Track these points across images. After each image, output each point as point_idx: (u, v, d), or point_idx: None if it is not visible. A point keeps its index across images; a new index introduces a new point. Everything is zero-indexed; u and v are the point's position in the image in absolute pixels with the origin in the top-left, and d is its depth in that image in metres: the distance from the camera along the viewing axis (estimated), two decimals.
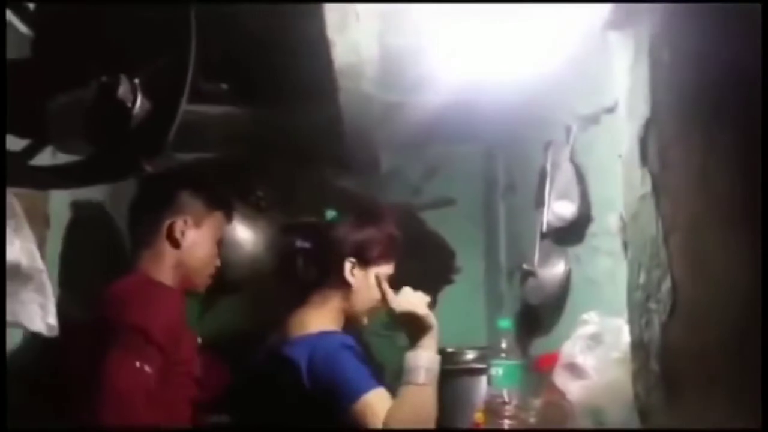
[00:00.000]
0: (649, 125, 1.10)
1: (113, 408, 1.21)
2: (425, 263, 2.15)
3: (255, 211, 1.95)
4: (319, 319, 1.52)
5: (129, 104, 1.02)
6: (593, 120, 1.63)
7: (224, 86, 1.90)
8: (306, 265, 1.56)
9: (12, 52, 1.10)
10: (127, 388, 1.23)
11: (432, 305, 1.53)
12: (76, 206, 1.65)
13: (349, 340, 1.45)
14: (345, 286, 1.54)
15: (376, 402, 1.31)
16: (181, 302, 1.44)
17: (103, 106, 1.01)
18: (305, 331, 1.49)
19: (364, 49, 1.60)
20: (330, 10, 1.43)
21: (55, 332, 1.07)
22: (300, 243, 1.57)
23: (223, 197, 1.62)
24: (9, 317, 1.01)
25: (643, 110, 1.11)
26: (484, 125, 2.21)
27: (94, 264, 1.69)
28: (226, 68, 1.80)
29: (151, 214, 1.49)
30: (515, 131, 2.18)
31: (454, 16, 1.58)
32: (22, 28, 1.18)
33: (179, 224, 1.47)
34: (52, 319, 1.05)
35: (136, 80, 1.04)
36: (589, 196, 1.66)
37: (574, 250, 1.73)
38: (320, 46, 1.54)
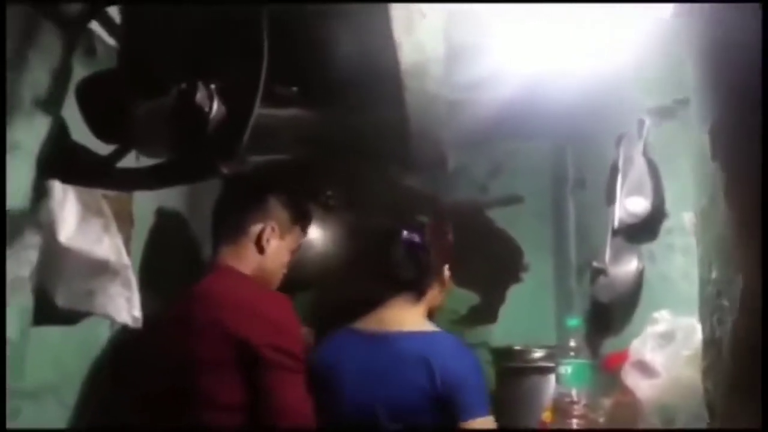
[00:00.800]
0: (720, 118, 1.06)
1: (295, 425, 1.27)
2: (493, 261, 2.15)
3: (324, 210, 2.00)
4: (420, 317, 1.50)
5: (206, 109, 1.07)
6: (667, 113, 1.59)
7: (294, 89, 1.96)
8: (410, 259, 1.52)
9: (102, 64, 1.18)
10: (301, 406, 1.28)
11: (500, 303, 1.54)
12: (159, 213, 1.73)
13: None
14: (441, 285, 1.55)
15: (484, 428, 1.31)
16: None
17: (182, 112, 1.07)
18: (411, 328, 1.47)
19: (429, 48, 1.62)
20: (396, 9, 1.45)
21: (139, 324, 1.14)
22: (407, 235, 1.54)
23: (308, 212, 1.67)
24: (98, 310, 1.09)
25: (714, 103, 1.08)
26: (552, 120, 2.18)
27: (173, 264, 1.77)
28: (295, 71, 1.85)
29: (239, 212, 1.53)
30: (584, 126, 2.14)
31: (520, 12, 1.58)
32: (110, 40, 1.26)
33: (267, 231, 1.52)
34: (137, 312, 1.12)
35: (213, 86, 1.10)
36: (663, 192, 1.62)
37: (647, 247, 1.68)
38: (387, 46, 1.57)
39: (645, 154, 1.68)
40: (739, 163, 1.01)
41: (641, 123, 1.69)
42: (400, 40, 1.55)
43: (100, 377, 1.40)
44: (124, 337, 1.41)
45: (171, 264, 1.76)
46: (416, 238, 1.54)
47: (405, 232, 1.54)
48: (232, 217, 1.52)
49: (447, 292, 1.57)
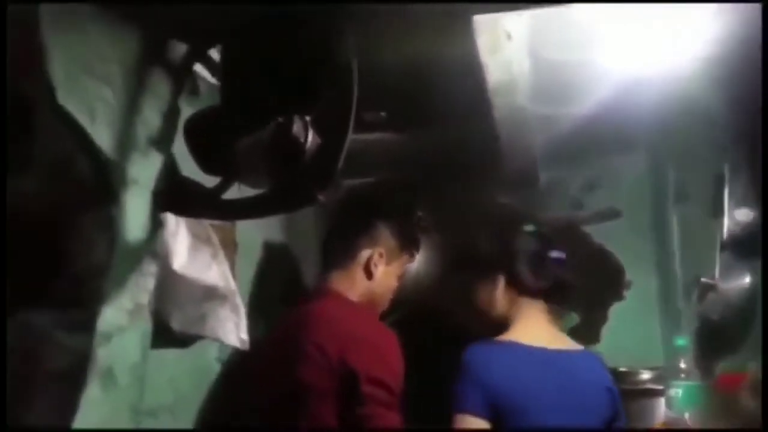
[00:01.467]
0: None
1: None
2: (592, 279, 2.08)
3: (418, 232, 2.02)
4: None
5: (302, 140, 1.12)
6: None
7: (383, 114, 2.01)
8: (559, 277, 1.57)
9: (206, 102, 1.26)
10: None
11: (603, 323, 1.51)
12: (266, 246, 1.82)
13: None
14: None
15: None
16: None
17: (279, 144, 1.13)
18: (570, 346, 1.54)
19: (516, 66, 1.61)
20: (481, 33, 1.46)
21: (246, 346, 1.19)
22: (556, 254, 1.59)
23: (415, 240, 1.70)
24: (209, 333, 1.15)
25: None
26: (649, 131, 2.10)
27: (281, 293, 1.83)
28: (384, 96, 1.90)
29: (349, 238, 1.58)
30: (683, 135, 2.05)
31: (608, 22, 1.55)
32: (212, 79, 1.35)
33: (375, 257, 1.56)
34: (245, 335, 1.18)
35: (308, 118, 1.15)
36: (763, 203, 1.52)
37: (761, 261, 1.58)
38: (473, 68, 1.58)
39: (752, 163, 1.59)
40: None
41: (746, 129, 1.61)
42: (486, 61, 1.56)
43: (212, 398, 1.47)
44: (234, 359, 1.48)
45: (277, 292, 1.83)
46: (562, 255, 1.59)
47: (554, 252, 1.59)
48: (342, 243, 1.58)
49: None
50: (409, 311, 1.93)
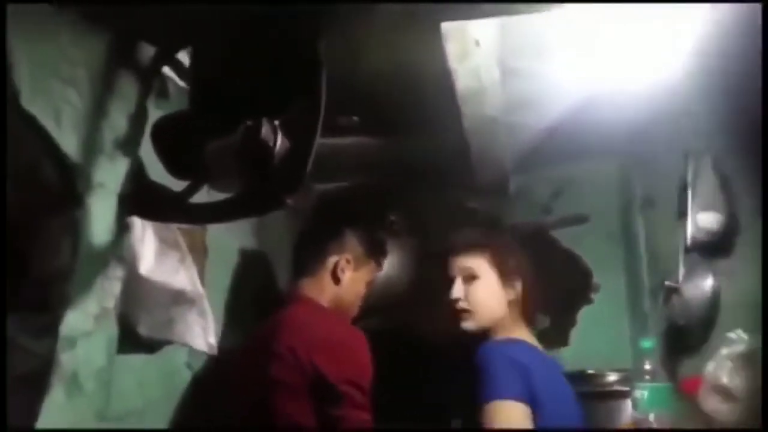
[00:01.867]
0: None
1: None
2: (561, 283, 2.11)
3: (389, 236, 2.04)
4: None
5: (271, 144, 1.12)
6: (738, 125, 1.54)
7: (355, 119, 2.02)
8: None
9: (174, 105, 1.25)
10: None
11: (572, 326, 1.55)
12: (242, 253, 1.83)
13: None
14: None
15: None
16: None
17: (248, 147, 1.13)
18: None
19: (485, 73, 1.63)
20: (450, 40, 1.48)
21: (214, 351, 1.19)
22: None
23: (382, 248, 1.73)
24: (176, 337, 1.15)
25: None
26: (615, 138, 2.14)
27: (255, 299, 1.84)
28: (355, 101, 1.90)
29: (318, 245, 1.62)
30: (649, 142, 2.09)
31: (575, 29, 1.57)
32: (181, 83, 1.34)
33: (342, 263, 1.59)
34: (213, 339, 1.18)
35: (276, 122, 1.15)
36: (737, 206, 1.56)
37: (723, 264, 1.62)
38: (442, 75, 1.60)
39: (715, 167, 1.63)
40: None
41: (710, 136, 1.65)
42: (455, 67, 1.58)
43: (187, 405, 1.47)
44: (210, 366, 1.48)
45: (249, 297, 1.83)
46: None
47: None
48: (312, 249, 1.62)
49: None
50: (383, 317, 1.95)
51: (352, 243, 1.63)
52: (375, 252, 1.69)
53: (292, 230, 1.97)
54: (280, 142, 1.14)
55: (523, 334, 1.55)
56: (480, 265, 1.59)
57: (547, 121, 1.94)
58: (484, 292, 1.57)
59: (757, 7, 0.96)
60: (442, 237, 1.81)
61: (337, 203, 1.77)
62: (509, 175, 2.25)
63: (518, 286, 1.58)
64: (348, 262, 1.60)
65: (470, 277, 1.58)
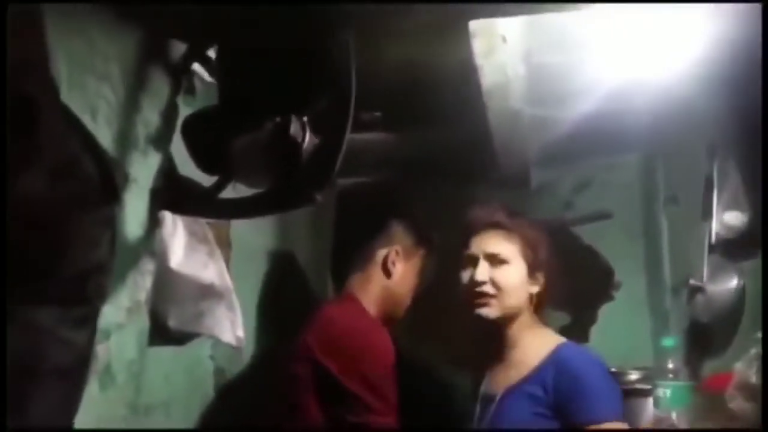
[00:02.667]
0: None
1: None
2: (581, 280, 2.10)
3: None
4: None
5: (299, 140, 1.13)
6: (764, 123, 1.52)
7: (377, 114, 2.02)
8: None
9: (203, 101, 1.27)
10: None
11: (592, 323, 1.54)
12: (267, 250, 1.82)
13: None
14: None
15: None
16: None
17: (277, 144, 1.14)
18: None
19: (510, 69, 1.63)
20: (476, 36, 1.48)
21: (242, 344, 1.21)
22: None
23: (431, 236, 1.70)
24: (206, 330, 1.16)
25: None
26: (639, 134, 2.13)
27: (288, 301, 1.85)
28: (379, 96, 1.91)
29: (365, 240, 1.60)
30: (674, 138, 2.07)
31: (601, 25, 1.56)
32: (210, 79, 1.35)
33: (392, 255, 1.57)
34: (240, 332, 1.19)
35: (305, 118, 1.16)
36: (763, 205, 1.55)
37: (749, 264, 1.61)
38: (468, 70, 1.59)
39: (741, 165, 1.62)
40: None
41: (736, 133, 1.63)
42: (481, 63, 1.58)
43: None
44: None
45: (280, 297, 1.84)
46: None
47: None
48: (358, 246, 1.60)
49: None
50: None
51: (400, 234, 1.60)
52: (424, 241, 1.65)
53: (315, 226, 1.98)
54: (308, 138, 1.15)
55: (548, 332, 1.52)
56: (510, 250, 1.51)
57: (571, 116, 1.92)
58: (514, 279, 1.49)
59: (757, 7, 0.95)
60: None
61: (378, 196, 1.74)
62: (531, 170, 2.25)
63: (542, 279, 1.53)
64: (398, 253, 1.57)
65: (498, 262, 1.50)
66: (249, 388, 1.53)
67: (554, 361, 1.41)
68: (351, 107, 1.11)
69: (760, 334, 1.22)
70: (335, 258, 1.69)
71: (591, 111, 1.89)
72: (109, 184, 0.73)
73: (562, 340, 1.48)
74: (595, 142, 2.17)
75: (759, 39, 0.83)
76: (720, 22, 1.44)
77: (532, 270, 1.51)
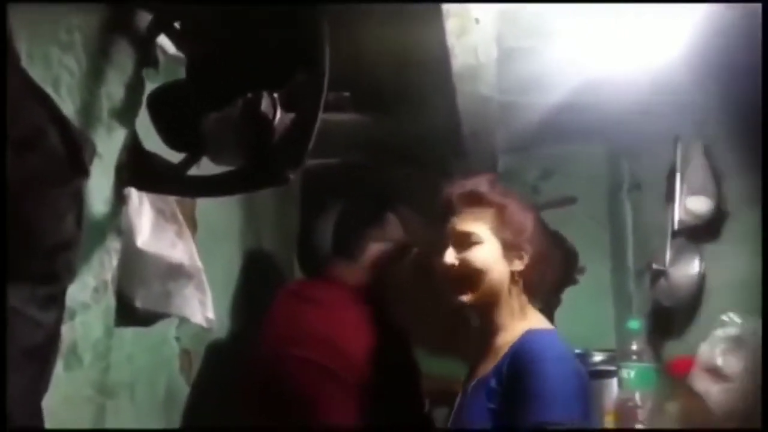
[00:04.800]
0: None
1: None
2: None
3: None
4: None
5: (271, 118, 1.10)
6: (730, 110, 1.56)
7: (347, 94, 1.99)
8: None
9: (170, 75, 1.22)
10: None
11: (556, 306, 1.53)
12: (240, 235, 1.79)
13: None
14: None
15: None
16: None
17: (248, 121, 1.11)
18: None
19: (482, 51, 1.63)
20: (450, 16, 1.46)
21: (213, 325, 1.18)
22: None
23: (419, 227, 1.68)
24: (175, 311, 1.13)
25: None
26: (606, 123, 2.16)
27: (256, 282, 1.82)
28: (348, 77, 1.88)
29: (360, 229, 1.58)
30: (639, 127, 2.11)
31: (571, 13, 1.57)
32: (178, 52, 1.31)
33: (385, 248, 1.56)
34: (210, 313, 1.16)
35: (276, 96, 1.13)
36: (725, 191, 1.59)
37: (710, 248, 1.65)
38: (439, 51, 1.58)
39: (705, 153, 1.65)
40: None
41: (700, 122, 1.67)
42: (453, 44, 1.57)
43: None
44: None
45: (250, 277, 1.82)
46: None
47: None
48: (352, 234, 1.57)
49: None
50: None
51: (394, 227, 1.60)
52: (416, 234, 1.65)
53: (279, 206, 1.95)
54: (280, 116, 1.12)
55: (532, 316, 1.32)
56: (482, 228, 1.33)
57: (540, 102, 1.94)
58: (485, 258, 1.31)
59: (757, 7, 0.96)
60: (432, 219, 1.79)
61: (379, 185, 1.72)
62: (498, 155, 2.26)
63: (526, 256, 1.32)
64: (390, 247, 1.56)
65: (469, 241, 1.32)
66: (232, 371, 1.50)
67: (513, 350, 1.24)
68: (325, 85, 1.08)
69: (725, 317, 1.25)
70: (302, 240, 1.67)
71: (559, 99, 1.91)
72: (76, 157, 0.70)
73: (536, 325, 1.30)
74: (562, 130, 2.19)
75: (759, 39, 0.85)
76: (690, 19, 1.47)
77: (510, 247, 1.32)
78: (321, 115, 1.42)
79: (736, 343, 1.16)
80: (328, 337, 1.38)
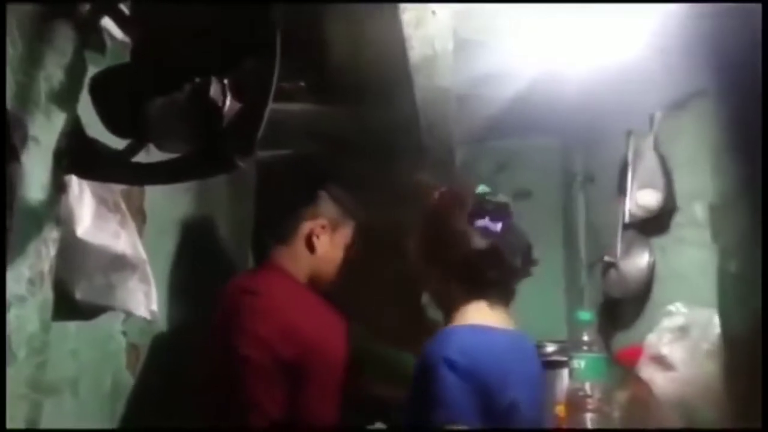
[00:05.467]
0: (737, 111, 1.07)
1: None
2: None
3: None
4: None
5: (219, 104, 1.07)
6: (679, 106, 1.59)
7: (301, 84, 1.96)
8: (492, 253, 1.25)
9: (114, 59, 1.18)
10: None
11: (512, 298, 1.52)
12: (189, 225, 1.74)
13: None
14: None
15: None
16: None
17: (196, 106, 1.07)
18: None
19: (438, 43, 1.62)
20: (406, 10, 1.45)
21: (157, 318, 1.14)
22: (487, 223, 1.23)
23: (359, 211, 1.66)
24: (118, 304, 1.09)
25: (729, 95, 1.08)
26: (561, 117, 2.18)
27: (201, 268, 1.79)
28: (304, 66, 1.85)
29: (292, 211, 1.54)
30: (593, 121, 2.14)
31: (528, 7, 1.58)
32: (122, 35, 1.26)
33: (317, 230, 1.52)
34: (155, 306, 1.13)
35: (226, 82, 1.10)
36: (674, 185, 1.62)
37: (659, 241, 1.69)
38: (395, 41, 1.57)
39: (656, 148, 1.68)
40: (757, 156, 1.01)
41: (651, 117, 1.69)
42: (409, 35, 1.55)
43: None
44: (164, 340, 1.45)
45: (198, 267, 1.77)
46: (498, 226, 1.25)
47: (484, 219, 1.23)
48: (284, 216, 1.54)
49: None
50: None
51: (327, 207, 1.56)
52: (351, 213, 1.61)
53: (235, 196, 1.91)
54: (229, 102, 1.09)
55: (471, 315, 1.24)
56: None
57: (496, 94, 1.94)
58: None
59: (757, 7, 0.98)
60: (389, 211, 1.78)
61: (312, 166, 1.69)
62: (455, 147, 2.26)
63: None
64: (323, 228, 1.53)
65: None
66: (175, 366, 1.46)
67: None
68: (275, 70, 1.05)
69: (671, 307, 1.27)
70: (257, 230, 1.64)
71: (515, 91, 1.92)
72: (4, 142, 0.66)
73: (459, 322, 1.24)
74: (517, 122, 2.20)
75: (759, 39, 0.86)
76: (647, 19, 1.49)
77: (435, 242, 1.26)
78: (275, 105, 1.38)
79: (682, 332, 1.19)
80: (259, 328, 1.36)
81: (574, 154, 2.38)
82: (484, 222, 1.23)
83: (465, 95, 1.96)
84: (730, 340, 1.00)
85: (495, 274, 1.26)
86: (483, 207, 1.25)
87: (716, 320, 1.09)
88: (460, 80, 1.83)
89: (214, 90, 1.07)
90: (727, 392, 1.01)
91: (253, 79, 1.09)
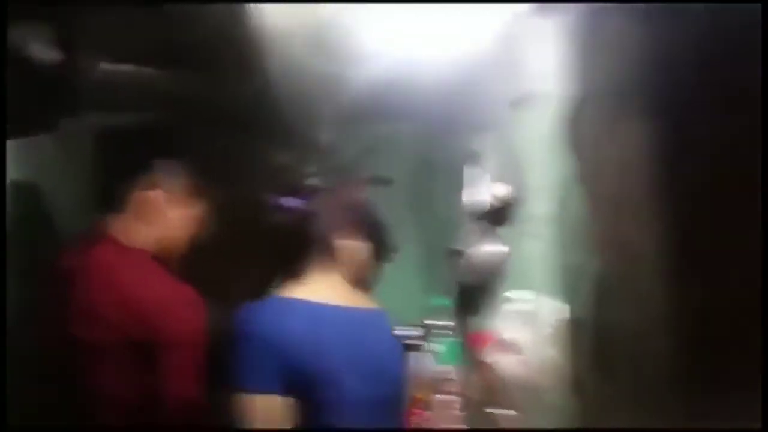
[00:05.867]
0: (577, 109, 1.11)
1: None
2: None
3: None
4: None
5: (41, 63, 0.95)
6: (525, 103, 1.65)
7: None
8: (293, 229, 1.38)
9: None
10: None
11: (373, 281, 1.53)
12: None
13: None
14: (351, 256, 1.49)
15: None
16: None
17: (14, 61, 0.94)
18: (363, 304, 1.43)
19: (299, 14, 1.54)
20: None
21: None
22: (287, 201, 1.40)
23: (208, 183, 1.53)
24: None
25: (570, 94, 1.12)
26: (420, 105, 2.19)
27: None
28: (152, 30, 1.68)
29: (126, 178, 1.40)
30: (449, 112, 2.18)
31: None
32: None
33: (154, 199, 1.38)
34: None
35: (49, 38, 0.97)
36: (521, 179, 1.68)
37: (507, 232, 1.75)
38: (250, 10, 1.47)
39: (503, 141, 1.74)
40: (596, 154, 1.06)
41: (501, 112, 1.75)
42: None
43: None
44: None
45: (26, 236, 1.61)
46: (298, 203, 1.39)
47: (284, 199, 1.39)
48: (117, 185, 1.40)
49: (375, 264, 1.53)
50: None
51: (167, 177, 1.43)
52: (198, 187, 1.49)
53: (62, 160, 1.70)
54: (52, 59, 0.96)
55: (300, 289, 1.34)
56: None
57: (359, 77, 1.90)
58: None
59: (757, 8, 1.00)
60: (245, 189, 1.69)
61: (146, 133, 1.52)
62: (319, 131, 2.20)
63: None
64: (162, 199, 1.40)
65: None
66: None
67: None
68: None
69: (513, 294, 1.31)
70: (96, 198, 1.47)
71: (378, 76, 1.89)
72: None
73: (278, 295, 1.35)
74: (380, 109, 2.18)
75: (759, 39, 0.87)
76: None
77: None
78: (112, 66, 1.24)
79: (525, 317, 1.23)
80: (96, 306, 1.27)
81: (431, 143, 2.42)
82: (286, 200, 1.40)
83: (328, 73, 1.90)
84: (569, 325, 1.05)
85: (302, 249, 1.37)
86: (292, 188, 1.43)
87: (557, 307, 1.14)
88: (324, 56, 1.77)
89: (36, 48, 0.94)
90: (570, 374, 1.05)
91: (76, 39, 0.97)
